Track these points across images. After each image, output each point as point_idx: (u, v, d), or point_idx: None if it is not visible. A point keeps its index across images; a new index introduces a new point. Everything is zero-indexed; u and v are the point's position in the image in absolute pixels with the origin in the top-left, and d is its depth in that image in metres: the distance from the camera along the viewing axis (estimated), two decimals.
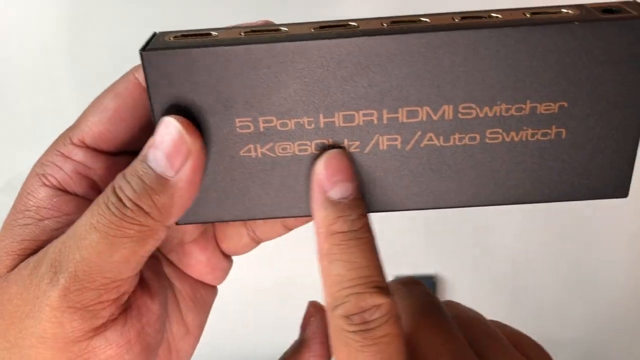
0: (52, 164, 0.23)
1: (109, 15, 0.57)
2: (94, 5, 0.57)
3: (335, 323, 0.20)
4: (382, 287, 0.20)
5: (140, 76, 0.23)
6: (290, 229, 0.26)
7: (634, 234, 0.69)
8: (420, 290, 0.25)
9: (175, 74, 0.21)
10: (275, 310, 0.70)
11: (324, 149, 0.22)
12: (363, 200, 0.22)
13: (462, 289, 0.72)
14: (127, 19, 0.58)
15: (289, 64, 0.21)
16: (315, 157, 0.22)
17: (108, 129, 0.23)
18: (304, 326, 0.26)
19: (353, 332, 0.20)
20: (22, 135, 0.60)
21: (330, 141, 0.22)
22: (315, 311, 0.26)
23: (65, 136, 0.23)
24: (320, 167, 0.21)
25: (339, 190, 0.21)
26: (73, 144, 0.23)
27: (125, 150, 0.23)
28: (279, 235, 0.27)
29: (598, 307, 0.74)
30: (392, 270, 0.70)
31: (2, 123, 0.60)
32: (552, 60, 0.21)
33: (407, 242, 0.68)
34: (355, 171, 0.22)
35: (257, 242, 0.27)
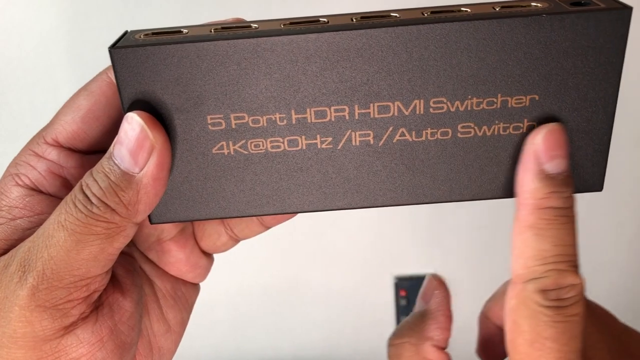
0: (26, 163, 0.23)
1: (109, 15, 0.57)
2: (94, 5, 0.57)
3: (527, 295, 0.20)
4: (578, 267, 0.20)
5: (113, 75, 0.22)
6: (268, 228, 0.26)
7: (634, 233, 0.69)
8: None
9: (145, 71, 0.21)
10: (276, 311, 0.70)
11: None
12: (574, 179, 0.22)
13: (462, 289, 0.72)
14: (127, 19, 0.58)
15: (258, 60, 0.21)
16: (292, 155, 0.22)
17: (81, 127, 0.23)
18: (427, 298, 0.26)
19: (547, 307, 0.20)
20: (22, 135, 0.61)
21: (303, 138, 0.22)
22: (439, 284, 0.26)
23: (39, 136, 0.23)
24: (540, 139, 0.21)
25: (557, 164, 0.21)
26: (47, 143, 0.23)
27: (99, 149, 0.23)
28: (258, 233, 0.27)
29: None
30: (392, 270, 0.70)
31: (2, 123, 0.60)
32: (521, 53, 0.21)
33: (407, 242, 0.68)
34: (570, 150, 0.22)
35: (235, 240, 0.27)
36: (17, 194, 0.22)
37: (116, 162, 0.20)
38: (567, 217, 0.21)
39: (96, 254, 0.20)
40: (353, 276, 0.68)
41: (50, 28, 0.57)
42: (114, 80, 0.22)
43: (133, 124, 0.20)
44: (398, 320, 0.58)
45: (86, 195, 0.20)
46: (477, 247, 0.70)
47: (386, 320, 0.66)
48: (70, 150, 0.23)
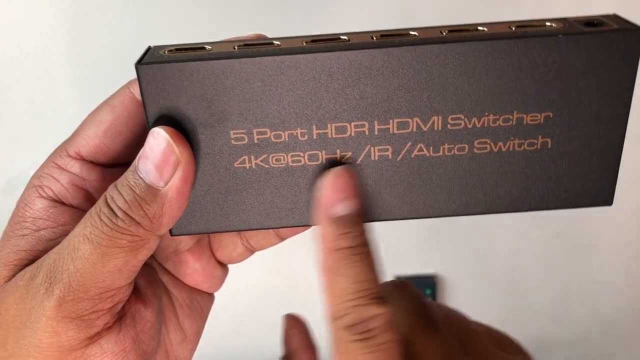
0: (49, 175, 0.23)
1: (109, 15, 0.57)
2: (94, 5, 0.57)
3: (338, 334, 0.21)
4: (380, 297, 0.21)
5: (136, 90, 0.23)
6: (283, 239, 0.27)
7: (634, 234, 0.70)
8: (410, 292, 0.26)
9: (170, 87, 0.21)
10: (276, 311, 0.70)
11: (329, 164, 0.22)
12: (363, 215, 0.22)
13: (462, 289, 0.72)
14: (127, 19, 0.58)
15: (281, 77, 0.21)
16: (312, 169, 0.23)
17: (104, 142, 0.23)
18: (287, 339, 0.27)
19: (355, 340, 0.21)
20: (22, 135, 0.61)
21: (324, 152, 0.22)
22: (294, 323, 0.27)
23: (62, 148, 0.23)
24: (325, 185, 0.22)
25: (343, 207, 0.22)
26: (69, 156, 0.23)
27: (121, 163, 0.24)
28: (273, 244, 0.27)
29: (598, 308, 0.74)
30: (393, 270, 0.70)
31: (2, 123, 0.60)
32: (537, 72, 0.21)
33: (407, 242, 0.69)
34: (358, 186, 0.22)
35: (251, 251, 0.27)
36: (41, 206, 0.23)
37: (141, 175, 0.21)
38: (360, 255, 0.21)
39: (121, 266, 0.21)
40: None
41: (50, 28, 0.57)
42: (138, 96, 0.23)
43: (159, 138, 0.21)
44: None
45: (111, 209, 0.21)
46: (477, 247, 0.70)
47: None
48: (92, 163, 0.23)
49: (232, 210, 0.23)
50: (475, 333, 0.26)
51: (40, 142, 0.25)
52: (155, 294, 0.24)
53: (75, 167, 0.23)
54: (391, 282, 0.26)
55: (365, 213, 0.23)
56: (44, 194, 0.23)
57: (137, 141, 0.23)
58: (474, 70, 0.21)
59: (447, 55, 0.21)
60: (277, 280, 0.70)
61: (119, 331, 0.22)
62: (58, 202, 0.23)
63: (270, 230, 0.26)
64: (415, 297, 0.25)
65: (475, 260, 0.71)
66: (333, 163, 0.23)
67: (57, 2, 0.57)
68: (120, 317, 0.22)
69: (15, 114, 0.60)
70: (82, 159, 0.23)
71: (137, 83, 0.21)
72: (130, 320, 0.23)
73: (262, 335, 0.73)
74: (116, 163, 0.24)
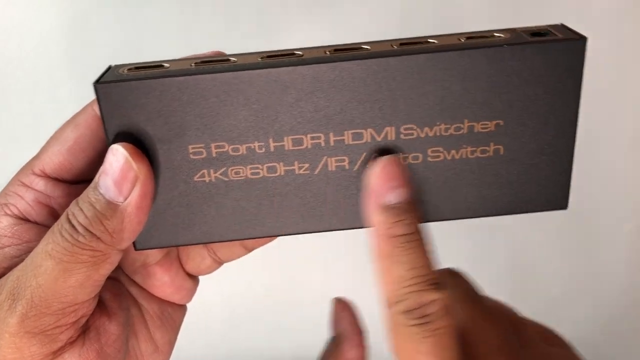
0: (14, 193, 0.24)
1: (109, 15, 0.57)
2: (93, 5, 0.57)
3: (396, 318, 0.22)
4: (437, 283, 0.22)
5: (97, 108, 0.23)
6: (250, 250, 0.27)
7: (634, 234, 0.70)
8: (464, 281, 0.26)
9: (128, 105, 0.22)
10: (275, 310, 0.70)
11: (376, 154, 0.23)
12: (416, 203, 0.23)
13: None
14: (126, 19, 0.58)
15: (237, 92, 0.22)
16: (271, 180, 0.23)
17: (67, 159, 0.24)
18: (336, 322, 0.27)
19: (413, 325, 0.21)
20: (22, 135, 0.61)
21: (282, 164, 0.23)
22: (343, 307, 0.28)
23: (28, 166, 0.24)
24: (375, 174, 0.22)
25: (395, 195, 0.22)
26: (34, 173, 0.24)
27: (85, 179, 0.24)
28: (240, 256, 0.28)
29: (598, 307, 0.74)
30: None
31: (2, 123, 0.60)
32: (484, 81, 0.22)
33: None
34: (407, 173, 0.23)
35: (219, 263, 0.28)
36: (6, 223, 0.23)
37: (101, 192, 0.21)
38: (415, 241, 0.22)
39: (82, 281, 0.21)
40: (353, 276, 0.68)
41: (50, 28, 0.57)
42: (98, 113, 0.23)
43: (117, 155, 0.21)
44: None
45: (72, 224, 0.21)
46: (477, 247, 0.70)
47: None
48: (57, 180, 0.24)
49: (194, 223, 0.24)
50: (525, 325, 0.26)
51: (40, 142, 0.25)
52: (121, 306, 0.25)
53: (40, 184, 0.24)
54: (446, 269, 0.27)
55: (417, 201, 0.23)
56: (9, 212, 0.23)
57: (100, 158, 0.24)
58: (424, 82, 0.22)
59: (396, 68, 0.22)
60: (276, 279, 0.70)
61: (83, 345, 0.22)
62: (23, 219, 0.24)
63: (236, 241, 0.27)
64: (469, 286, 0.26)
65: (476, 260, 0.71)
66: (292, 175, 0.23)
67: (57, 2, 0.57)
68: (84, 331, 0.23)
69: (15, 114, 0.60)
70: (46, 176, 0.24)
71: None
72: (95, 334, 0.23)
73: (262, 334, 0.73)
74: (80, 179, 0.24)
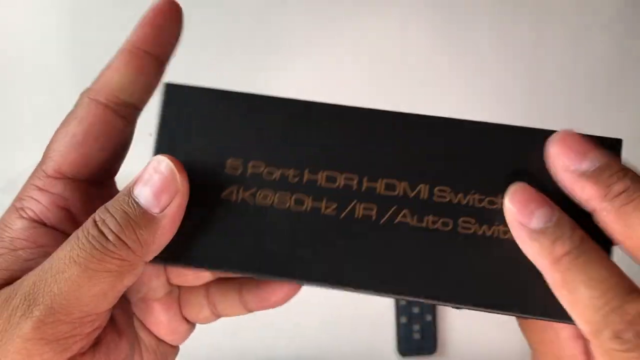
0: (30, 197, 0.22)
1: (109, 16, 0.57)
2: (94, 5, 0.57)
3: (607, 348, 0.19)
4: (634, 289, 0.19)
5: (97, 97, 0.23)
6: (250, 312, 0.27)
7: None
8: None
9: (188, 110, 0.22)
10: (275, 310, 0.70)
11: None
12: (566, 214, 0.21)
13: None
14: (126, 19, 0.58)
15: (297, 119, 0.22)
16: (295, 215, 0.22)
17: (82, 154, 0.22)
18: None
19: (629, 349, 0.19)
20: (22, 135, 0.61)
21: (310, 199, 0.22)
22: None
23: (39, 170, 0.23)
24: (510, 205, 0.21)
25: (539, 218, 0.20)
26: (49, 176, 0.22)
27: (103, 176, 0.24)
28: (239, 314, 0.27)
29: None
30: None
31: (2, 123, 0.60)
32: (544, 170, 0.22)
33: None
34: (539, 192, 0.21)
35: (217, 316, 0.27)
36: (20, 226, 0.22)
37: (137, 200, 0.21)
38: (584, 254, 0.20)
39: (107, 290, 0.21)
40: None
41: (50, 28, 0.57)
42: (103, 101, 0.23)
43: (162, 166, 0.21)
44: (398, 320, 0.58)
45: (101, 231, 0.20)
46: None
47: (386, 320, 0.66)
48: (75, 180, 0.23)
49: (210, 245, 0.22)
50: None
51: (41, 142, 0.24)
52: (130, 327, 0.24)
53: (57, 186, 0.22)
54: None
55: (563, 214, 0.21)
56: (25, 215, 0.22)
57: (114, 147, 0.23)
58: (478, 149, 0.22)
59: (460, 128, 0.22)
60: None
61: (92, 358, 0.22)
62: (39, 222, 0.23)
63: (237, 300, 0.26)
64: None
65: None
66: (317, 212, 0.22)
67: (57, 2, 0.57)
68: (94, 344, 0.22)
69: (15, 114, 0.60)
70: (64, 177, 0.23)
71: (95, 91, 0.22)
72: (105, 349, 0.22)
73: (261, 334, 0.73)
74: (97, 174, 0.23)
